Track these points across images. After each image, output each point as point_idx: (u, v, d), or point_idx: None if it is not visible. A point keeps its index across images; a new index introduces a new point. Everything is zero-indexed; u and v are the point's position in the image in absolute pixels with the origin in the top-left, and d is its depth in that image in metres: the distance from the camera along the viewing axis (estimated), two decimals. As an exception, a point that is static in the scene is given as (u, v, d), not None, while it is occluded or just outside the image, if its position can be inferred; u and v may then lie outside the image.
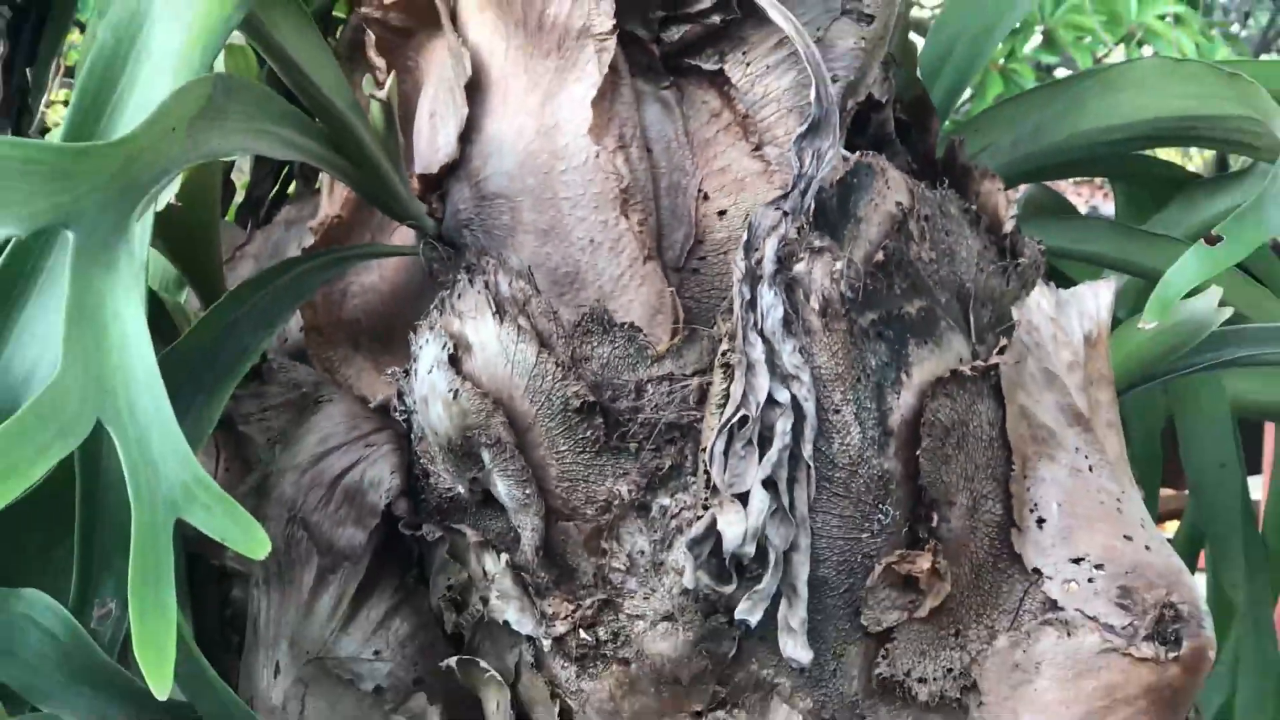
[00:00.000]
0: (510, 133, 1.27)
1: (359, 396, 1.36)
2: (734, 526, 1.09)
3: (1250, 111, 1.36)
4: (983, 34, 1.61)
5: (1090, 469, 1.23)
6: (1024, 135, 1.53)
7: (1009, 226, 1.32)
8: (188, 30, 1.11)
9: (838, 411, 1.14)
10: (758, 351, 1.12)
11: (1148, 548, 1.22)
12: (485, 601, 1.22)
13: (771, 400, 1.11)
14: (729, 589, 1.11)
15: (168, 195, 1.17)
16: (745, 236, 1.17)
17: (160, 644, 0.93)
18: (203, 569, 1.37)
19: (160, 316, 1.38)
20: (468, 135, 1.27)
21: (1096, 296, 1.26)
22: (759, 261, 1.15)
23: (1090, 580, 1.20)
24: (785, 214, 1.16)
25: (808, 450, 1.12)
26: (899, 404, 1.16)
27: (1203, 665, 1.20)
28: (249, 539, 0.95)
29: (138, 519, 0.94)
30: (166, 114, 1.02)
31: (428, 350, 1.21)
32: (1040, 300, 1.24)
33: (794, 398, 1.11)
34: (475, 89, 1.28)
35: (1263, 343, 1.44)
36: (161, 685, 0.92)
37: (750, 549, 1.10)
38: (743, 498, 1.11)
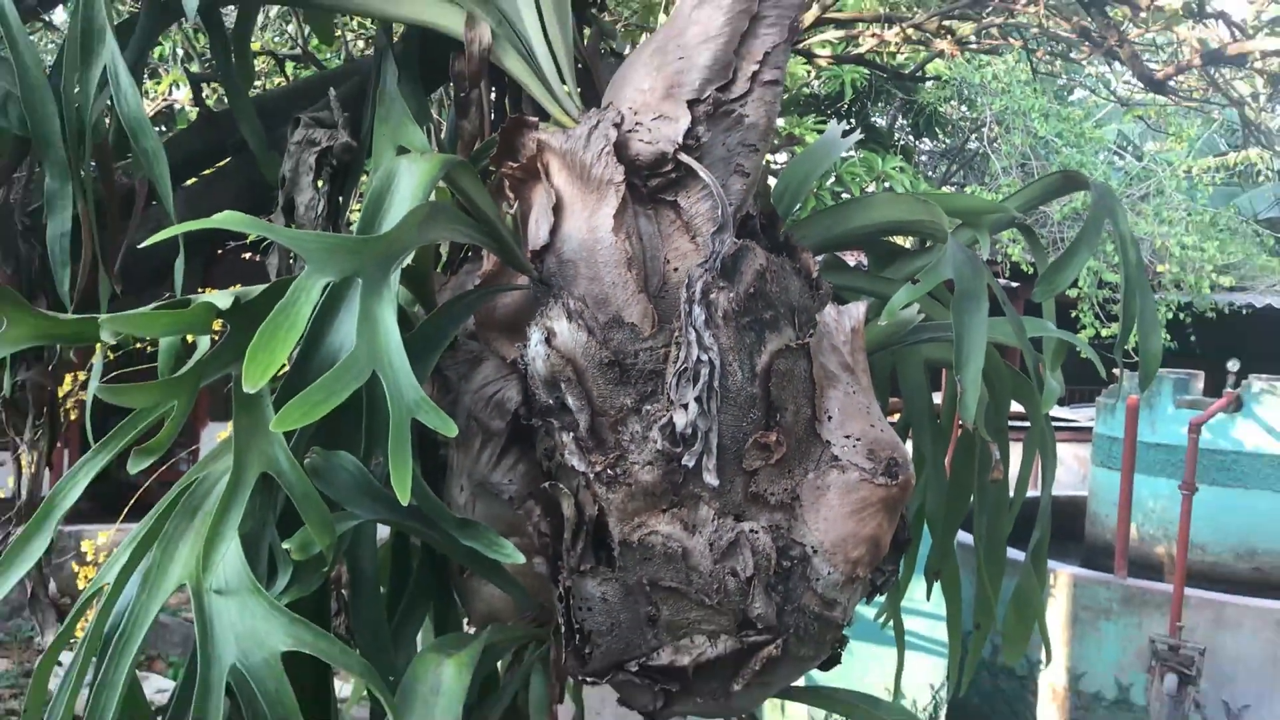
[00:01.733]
0: (574, 230, 1.27)
1: (501, 358, 1.35)
2: (681, 419, 1.16)
3: (931, 218, 1.38)
4: (806, 178, 1.60)
5: (854, 392, 1.26)
6: (824, 229, 1.51)
7: (815, 274, 1.33)
8: (416, 180, 1.15)
9: (730, 365, 1.19)
10: (692, 336, 1.17)
11: (882, 430, 1.26)
12: (560, 454, 1.23)
13: (699, 360, 1.16)
14: (678, 450, 1.16)
15: (408, 259, 1.12)
16: (688, 281, 1.21)
17: (403, 478, 0.98)
18: (428, 446, 1.38)
19: (405, 319, 1.24)
20: (553, 231, 1.28)
21: (857, 309, 1.28)
22: (693, 294, 1.19)
23: (854, 446, 1.24)
24: (706, 270, 1.20)
25: (716, 383, 1.17)
26: (760, 361, 1.21)
27: (909, 488, 1.25)
28: (446, 426, 1.01)
29: (394, 418, 0.99)
30: (408, 220, 1.10)
31: (535, 334, 1.23)
32: (830, 310, 1.28)
33: (709, 359, 1.16)
34: (557, 208, 1.29)
35: (936, 331, 1.47)
36: (404, 495, 0.98)
37: (689, 431, 1.15)
38: (685, 406, 1.16)
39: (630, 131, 1.29)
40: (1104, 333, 14.20)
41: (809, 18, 3.72)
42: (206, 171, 1.62)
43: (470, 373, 1.33)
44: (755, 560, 1.20)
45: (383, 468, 1.11)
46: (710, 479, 1.17)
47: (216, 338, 1.08)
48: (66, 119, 1.25)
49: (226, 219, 0.92)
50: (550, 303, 1.25)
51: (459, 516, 1.14)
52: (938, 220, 1.36)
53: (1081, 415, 10.58)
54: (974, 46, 4.08)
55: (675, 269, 1.28)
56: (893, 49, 4.24)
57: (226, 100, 1.49)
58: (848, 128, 1.63)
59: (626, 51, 1.52)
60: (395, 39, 1.46)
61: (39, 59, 1.25)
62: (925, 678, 5.56)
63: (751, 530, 1.21)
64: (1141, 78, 2.48)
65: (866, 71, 14.77)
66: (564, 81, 1.39)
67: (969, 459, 1.60)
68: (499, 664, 1.35)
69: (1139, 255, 1.55)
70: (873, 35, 3.91)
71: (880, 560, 1.28)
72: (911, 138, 20.94)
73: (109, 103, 1.25)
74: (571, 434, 1.23)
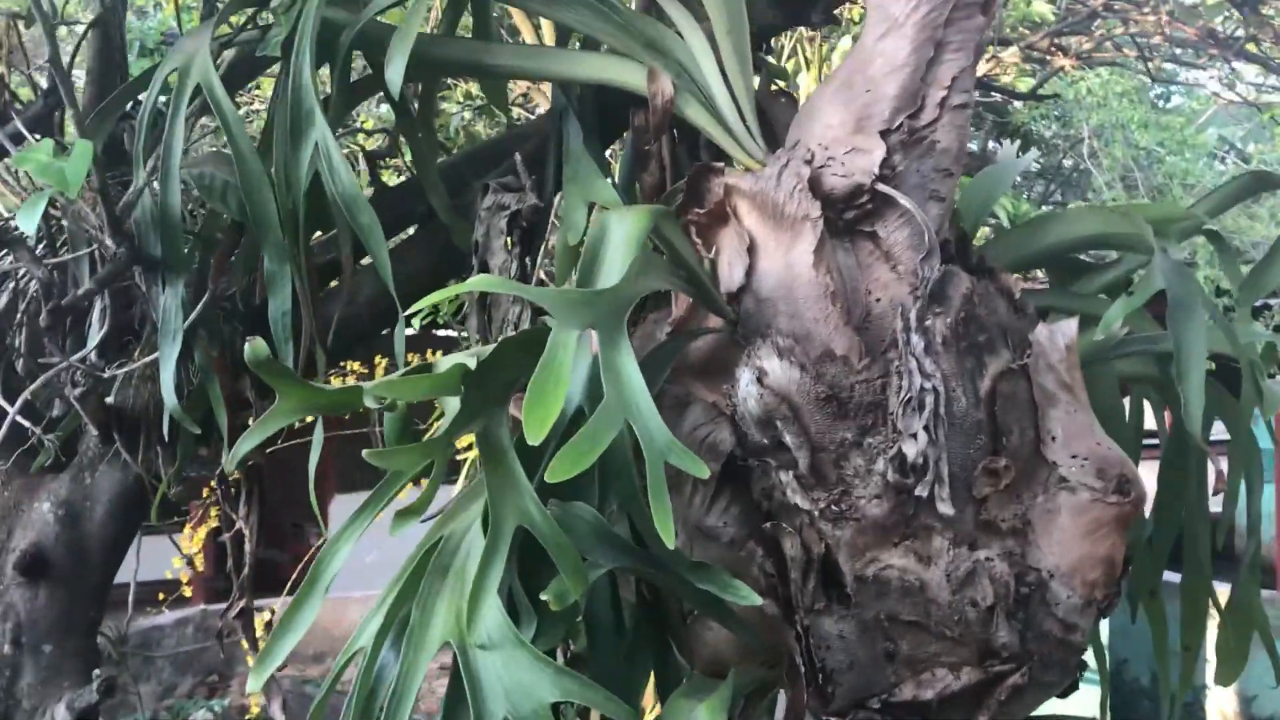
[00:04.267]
0: (770, 269, 1.27)
1: (703, 400, 1.32)
2: (911, 449, 1.14)
3: (1134, 229, 1.35)
4: (987, 201, 1.60)
5: (1075, 411, 1.23)
6: (1015, 248, 1.50)
7: (1018, 295, 1.31)
8: (628, 232, 1.16)
9: (954, 391, 1.17)
10: (913, 364, 1.16)
11: (1109, 449, 1.24)
12: (781, 494, 1.22)
13: (923, 388, 1.15)
14: (909, 481, 1.15)
15: (629, 313, 1.10)
16: (901, 310, 1.21)
17: (665, 521, 0.99)
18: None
19: None
20: (749, 272, 1.28)
21: (1070, 326, 1.26)
22: (909, 321, 1.19)
23: (1083, 466, 1.22)
24: (919, 297, 1.21)
25: (942, 410, 1.15)
26: (983, 385, 1.20)
27: (1141, 504, 1.23)
28: (698, 468, 1.01)
29: (650, 460, 1.00)
30: (629, 274, 1.13)
31: (745, 375, 1.22)
32: (1042, 329, 1.25)
33: (934, 386, 1.15)
34: (751, 249, 1.29)
35: (1131, 345, 1.46)
36: (669, 539, 0.99)
37: (920, 461, 1.14)
38: (914, 436, 1.14)
39: (822, 167, 1.29)
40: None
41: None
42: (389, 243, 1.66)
43: (678, 418, 1.33)
44: (994, 588, 1.17)
45: (614, 517, 1.15)
46: (945, 509, 1.15)
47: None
48: (280, 201, 1.30)
49: (481, 282, 0.95)
50: (758, 342, 1.24)
51: (694, 561, 1.14)
52: (1141, 232, 1.33)
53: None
54: (1091, 60, 4.03)
55: (878, 299, 1.28)
56: (1005, 71, 4.20)
57: (415, 171, 1.53)
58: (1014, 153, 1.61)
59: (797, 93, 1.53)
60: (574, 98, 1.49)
61: (254, 148, 1.30)
62: (1082, 709, 5.37)
63: (987, 558, 1.19)
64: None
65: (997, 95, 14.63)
66: (746, 126, 1.40)
67: (1182, 475, 1.54)
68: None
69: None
70: (991, 58, 3.88)
71: (1116, 581, 1.24)
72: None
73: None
74: (792, 472, 1.22)
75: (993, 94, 4.54)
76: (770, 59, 1.59)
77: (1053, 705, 1.34)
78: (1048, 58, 4.04)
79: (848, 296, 1.28)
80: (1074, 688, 1.30)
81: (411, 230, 1.68)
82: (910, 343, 1.18)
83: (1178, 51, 3.98)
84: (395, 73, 1.26)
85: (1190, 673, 1.84)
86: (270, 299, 1.31)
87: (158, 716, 5.77)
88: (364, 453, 0.93)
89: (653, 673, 1.38)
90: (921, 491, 1.15)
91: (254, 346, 0.91)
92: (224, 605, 1.76)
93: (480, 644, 1.00)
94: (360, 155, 2.22)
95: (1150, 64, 3.89)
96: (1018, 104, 15.00)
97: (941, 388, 1.16)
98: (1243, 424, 1.54)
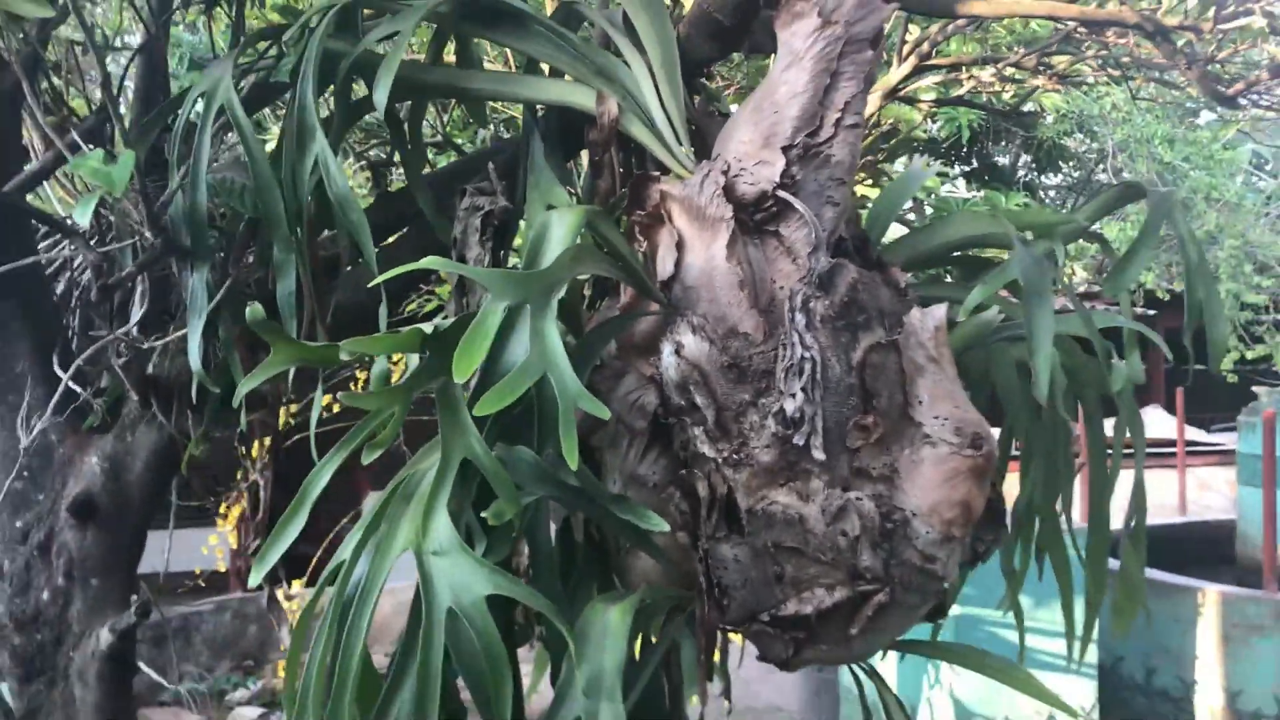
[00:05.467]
0: (694, 261, 1.51)
1: (640, 373, 1.54)
2: (790, 405, 1.37)
3: (1000, 229, 1.58)
4: (891, 209, 1.78)
5: (940, 380, 1.45)
6: (911, 248, 1.70)
7: (903, 285, 1.54)
8: (565, 228, 1.40)
9: (829, 360, 1.40)
10: (795, 338, 1.40)
11: (967, 411, 1.45)
12: (693, 445, 1.44)
13: (802, 357, 1.39)
14: (790, 432, 1.37)
15: (562, 292, 1.33)
16: (790, 294, 1.44)
17: (571, 449, 1.22)
18: (586, 450, 1.61)
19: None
20: (677, 264, 1.51)
21: (939, 310, 1.47)
22: (795, 304, 1.43)
23: (943, 425, 1.43)
24: (804, 284, 1.44)
25: (818, 375, 1.38)
26: (855, 356, 1.42)
27: (992, 458, 1.44)
28: (601, 410, 1.24)
29: (562, 405, 1.23)
30: (562, 258, 1.36)
31: (667, 348, 1.46)
32: (915, 312, 1.47)
33: (811, 355, 1.39)
34: (679, 245, 1.52)
35: (1018, 329, 1.63)
36: (572, 461, 1.21)
37: (797, 415, 1.37)
38: (793, 395, 1.38)
39: (735, 176, 1.54)
40: (1248, 355, 13.72)
41: (907, 66, 3.94)
42: (389, 240, 1.92)
43: (616, 385, 1.58)
44: (863, 522, 1.41)
45: (551, 459, 1.37)
46: (818, 454, 1.39)
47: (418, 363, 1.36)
48: (288, 202, 1.57)
49: (431, 261, 1.21)
50: (678, 321, 1.50)
51: (615, 494, 1.40)
52: (1006, 231, 1.57)
53: (1228, 439, 10.32)
54: (1077, 80, 4.22)
55: (781, 287, 1.51)
56: (997, 89, 4.41)
57: (405, 179, 1.79)
58: (929, 164, 1.85)
59: (732, 111, 1.78)
60: (538, 117, 1.75)
61: (266, 156, 1.58)
62: (1077, 700, 5.54)
63: (857, 498, 1.43)
64: (1213, 95, 2.61)
65: (982, 112, 14.77)
66: (679, 141, 1.65)
67: (1054, 441, 1.76)
68: (653, 627, 1.59)
69: (1200, 252, 1.72)
70: (969, 78, 4.09)
71: (972, 522, 1.47)
72: (1035, 174, 20.70)
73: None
74: (701, 427, 1.46)
75: (983, 111, 4.77)
76: (708, 83, 1.83)
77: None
78: (1032, 76, 4.25)
79: (755, 284, 1.52)
80: (940, 613, 1.53)
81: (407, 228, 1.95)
82: (794, 320, 1.43)
83: (1154, 73, 4.17)
84: (381, 95, 1.53)
85: (1092, 619, 2.05)
86: (278, 283, 1.58)
87: (194, 694, 6.08)
88: (339, 395, 1.19)
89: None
90: (799, 440, 1.39)
91: (252, 310, 1.17)
92: (253, 591, 2.02)
93: (433, 550, 1.25)
94: (367, 163, 2.48)
95: (1132, 83, 4.09)
96: (1047, 119, 15.07)
97: (818, 357, 1.41)
98: (1116, 393, 1.75)
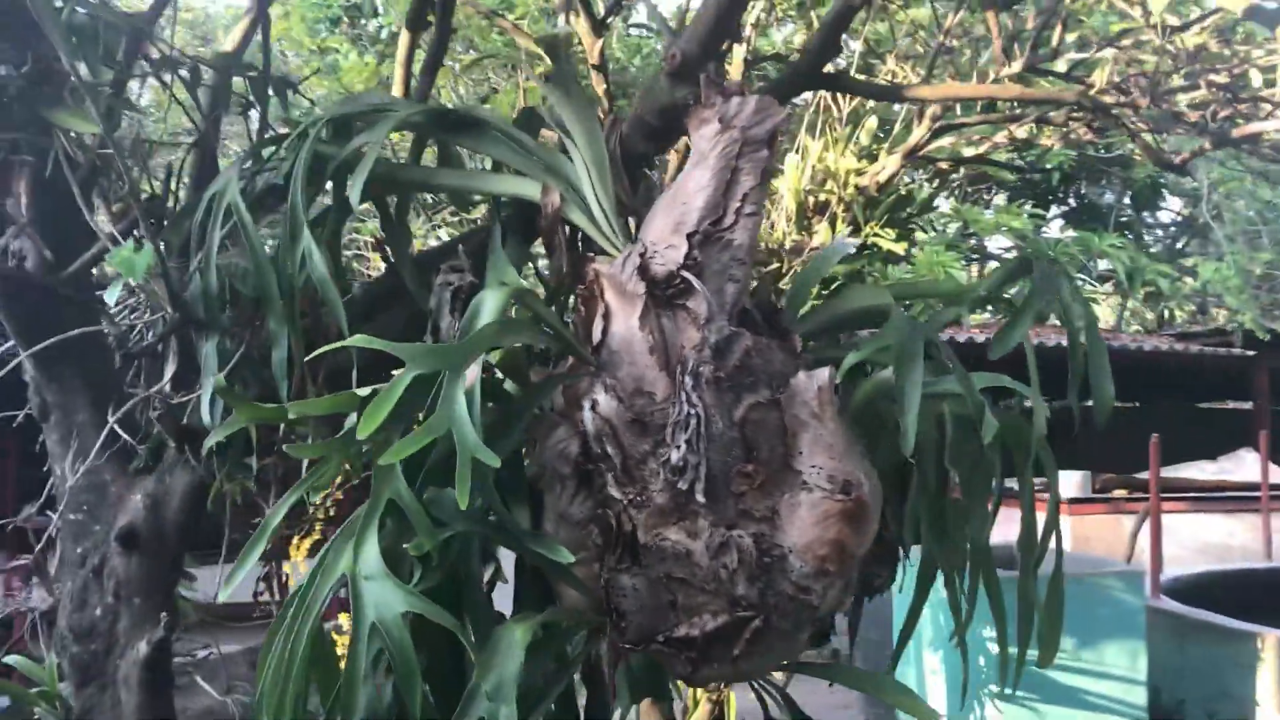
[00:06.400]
0: (618, 330, 1.73)
1: (571, 424, 1.71)
2: (676, 455, 1.60)
3: (884, 301, 1.79)
4: (812, 280, 2.01)
5: (821, 434, 1.65)
6: (823, 316, 1.92)
7: (798, 350, 1.75)
8: (493, 304, 1.66)
9: (712, 416, 1.62)
10: (684, 397, 1.62)
11: (841, 461, 1.64)
12: (607, 488, 1.65)
13: (688, 413, 1.61)
14: (675, 478, 1.63)
15: (492, 357, 1.64)
16: (682, 361, 1.67)
17: (464, 491, 1.52)
18: (536, 495, 1.81)
19: (507, 396, 1.78)
20: (604, 332, 1.74)
21: (823, 372, 1.66)
22: (686, 368, 1.65)
23: (819, 473, 1.63)
24: (696, 351, 1.66)
25: (702, 430, 1.60)
26: (738, 413, 1.63)
27: (862, 502, 1.62)
28: (491, 458, 1.53)
29: (460, 455, 1.45)
30: (481, 332, 1.62)
31: (586, 404, 1.69)
32: (801, 375, 1.67)
33: (696, 412, 1.61)
34: (606, 315, 1.75)
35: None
36: (463, 502, 1.46)
37: (681, 464, 1.59)
38: (679, 447, 1.60)
39: (650, 258, 1.78)
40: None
41: (923, 129, 4.12)
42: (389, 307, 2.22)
43: (550, 434, 1.83)
44: (740, 556, 1.63)
45: (483, 502, 1.65)
46: (700, 498, 1.62)
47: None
48: (282, 283, 1.87)
49: (357, 339, 1.49)
50: (595, 382, 1.75)
51: (531, 530, 1.65)
52: (887, 302, 1.79)
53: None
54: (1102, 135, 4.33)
55: (687, 352, 1.76)
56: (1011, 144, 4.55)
57: (393, 259, 2.09)
58: (850, 238, 2.07)
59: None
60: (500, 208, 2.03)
61: (263, 245, 1.89)
62: (1129, 747, 5.53)
63: (739, 535, 1.65)
64: (1160, 164, 2.73)
65: (1074, 153, 14.69)
66: (612, 227, 1.91)
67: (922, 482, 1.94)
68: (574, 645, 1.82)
69: (1088, 316, 1.89)
70: (979, 139, 4.26)
71: (848, 560, 1.68)
72: (1135, 214, 20.31)
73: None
74: (612, 473, 1.70)
75: (994, 164, 4.91)
76: (648, 174, 2.08)
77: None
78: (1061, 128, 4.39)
79: (666, 350, 1.76)
80: (824, 639, 1.74)
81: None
82: (684, 382, 1.66)
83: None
84: (354, 193, 1.82)
85: (1022, 656, 2.20)
86: (273, 350, 1.88)
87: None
88: (285, 447, 1.48)
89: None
90: (683, 485, 1.62)
91: (216, 380, 1.47)
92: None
93: (365, 575, 1.52)
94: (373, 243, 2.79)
95: (1154, 136, 4.19)
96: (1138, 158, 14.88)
97: (702, 414, 1.64)
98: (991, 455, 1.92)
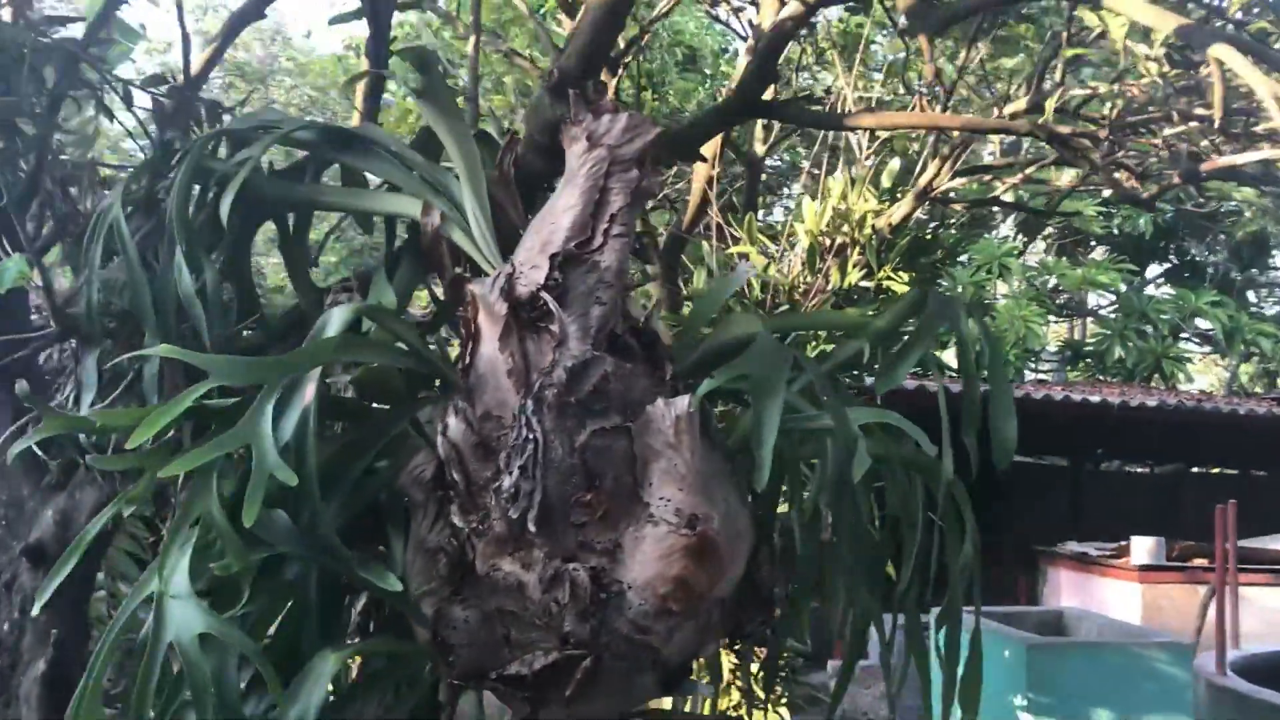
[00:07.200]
0: (485, 351, 1.66)
1: (430, 445, 1.65)
2: (508, 481, 1.51)
3: (754, 330, 1.71)
4: (713, 304, 1.96)
5: (675, 465, 1.55)
6: (704, 345, 1.83)
7: (667, 377, 1.68)
8: (339, 320, 1.57)
9: (551, 442, 1.53)
10: (524, 421, 1.54)
11: (691, 494, 1.54)
12: (452, 515, 1.59)
13: (526, 438, 1.53)
14: (511, 508, 1.52)
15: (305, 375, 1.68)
16: (526, 384, 1.60)
17: (252, 510, 1.47)
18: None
19: (366, 414, 1.82)
20: (473, 353, 1.67)
21: (682, 401, 1.57)
22: (530, 391, 1.58)
23: (666, 506, 1.54)
24: (542, 374, 1.59)
25: (539, 455, 1.52)
26: (580, 439, 1.55)
27: (707, 537, 1.53)
28: (289, 477, 1.49)
29: (255, 473, 1.39)
30: (314, 346, 1.58)
31: (439, 428, 1.63)
32: (658, 403, 1.58)
33: (534, 437, 1.52)
34: (475, 336, 1.68)
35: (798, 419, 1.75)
36: (249, 520, 1.46)
37: (513, 491, 1.51)
38: (512, 473, 1.51)
39: (516, 278, 1.72)
40: None
41: (932, 170, 3.98)
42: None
43: (410, 459, 1.77)
44: (573, 590, 1.54)
45: (319, 525, 1.55)
46: (531, 527, 1.53)
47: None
48: (156, 296, 1.85)
49: (164, 350, 1.45)
50: (448, 405, 1.68)
51: (359, 556, 1.58)
52: (755, 330, 1.69)
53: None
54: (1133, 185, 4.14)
55: (547, 374, 1.68)
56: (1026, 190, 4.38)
57: (292, 280, 2.06)
58: (747, 268, 1.97)
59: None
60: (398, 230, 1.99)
61: (138, 260, 1.88)
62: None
63: (574, 568, 1.55)
64: (1127, 199, 2.56)
65: (1169, 209, 14.21)
66: (491, 246, 1.85)
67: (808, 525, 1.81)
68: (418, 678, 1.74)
69: (994, 349, 1.77)
70: (989, 179, 4.09)
71: (694, 599, 1.57)
72: (1238, 270, 19.54)
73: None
74: (458, 500, 1.63)
75: (1009, 207, 4.70)
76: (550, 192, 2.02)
77: None
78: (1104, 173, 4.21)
79: (528, 373, 1.68)
80: (672, 683, 1.63)
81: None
82: (526, 406, 1.59)
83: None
84: (224, 207, 1.80)
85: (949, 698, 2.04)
86: (145, 365, 1.86)
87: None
88: (88, 458, 1.44)
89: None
90: (514, 514, 1.54)
91: (20, 388, 1.44)
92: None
93: (172, 594, 1.47)
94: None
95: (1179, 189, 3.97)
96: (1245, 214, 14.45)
97: (540, 439, 1.56)
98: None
